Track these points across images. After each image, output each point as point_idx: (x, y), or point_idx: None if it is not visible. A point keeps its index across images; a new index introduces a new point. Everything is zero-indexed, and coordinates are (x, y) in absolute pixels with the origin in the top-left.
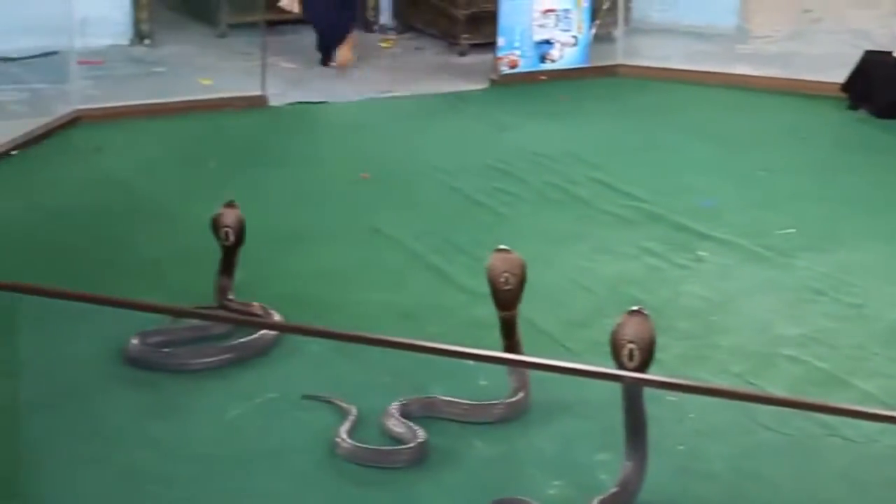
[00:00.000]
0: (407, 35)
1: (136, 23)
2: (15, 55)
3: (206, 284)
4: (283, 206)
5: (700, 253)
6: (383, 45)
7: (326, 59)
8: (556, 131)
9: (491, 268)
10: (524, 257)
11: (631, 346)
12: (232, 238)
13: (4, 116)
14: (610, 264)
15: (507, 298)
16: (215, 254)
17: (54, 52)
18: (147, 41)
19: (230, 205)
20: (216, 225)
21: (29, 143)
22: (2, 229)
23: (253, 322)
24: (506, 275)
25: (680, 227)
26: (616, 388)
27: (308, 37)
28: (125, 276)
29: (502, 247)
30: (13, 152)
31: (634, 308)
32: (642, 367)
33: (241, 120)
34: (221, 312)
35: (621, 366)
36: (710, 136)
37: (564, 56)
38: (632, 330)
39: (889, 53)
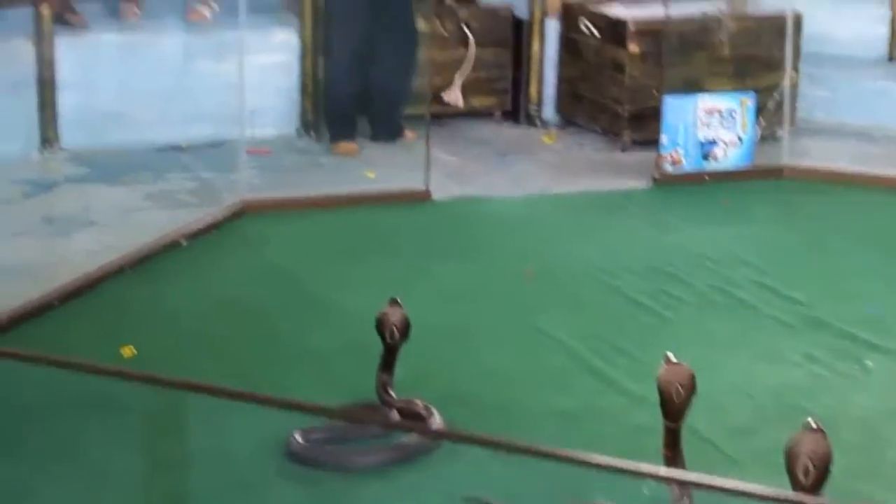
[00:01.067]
0: (569, 130)
1: (303, 113)
2: (185, 144)
3: (369, 378)
4: (444, 302)
5: (867, 362)
6: (546, 140)
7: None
8: (719, 233)
9: (662, 380)
10: (687, 362)
11: (807, 462)
12: (397, 336)
13: (174, 205)
14: (774, 371)
15: (676, 410)
16: (377, 347)
17: (223, 142)
18: (313, 132)
19: (395, 303)
20: (382, 323)
21: (198, 232)
22: (170, 320)
23: (410, 427)
24: (677, 387)
25: (846, 335)
26: None
27: (470, 130)
28: (289, 368)
29: (673, 359)
30: (183, 242)
31: (813, 426)
32: (817, 486)
33: (404, 213)
34: (380, 415)
35: (795, 482)
36: (878, 241)
37: (728, 155)
38: (808, 447)
39: None
